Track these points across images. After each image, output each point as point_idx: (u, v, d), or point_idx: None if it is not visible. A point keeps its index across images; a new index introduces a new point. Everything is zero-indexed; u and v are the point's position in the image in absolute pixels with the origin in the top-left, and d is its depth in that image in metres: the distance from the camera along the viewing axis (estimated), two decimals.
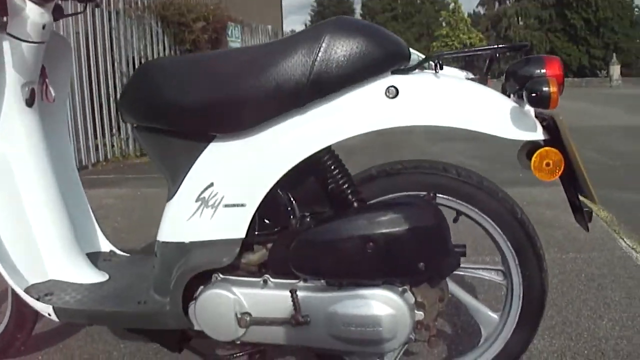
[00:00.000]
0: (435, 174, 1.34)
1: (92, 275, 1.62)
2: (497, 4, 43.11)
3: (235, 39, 8.54)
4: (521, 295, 1.36)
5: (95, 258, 1.76)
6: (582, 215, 1.32)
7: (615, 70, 23.90)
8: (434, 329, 1.34)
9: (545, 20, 38.30)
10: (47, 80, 1.63)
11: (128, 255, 1.85)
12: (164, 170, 1.39)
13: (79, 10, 1.74)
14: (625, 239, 2.84)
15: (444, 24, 37.33)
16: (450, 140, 6.47)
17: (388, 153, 5.53)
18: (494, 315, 1.44)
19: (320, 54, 1.18)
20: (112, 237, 1.91)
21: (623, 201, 3.64)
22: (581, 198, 1.29)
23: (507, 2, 41.99)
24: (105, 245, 1.86)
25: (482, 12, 45.33)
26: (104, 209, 3.74)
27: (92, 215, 1.86)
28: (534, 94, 1.11)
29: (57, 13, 1.58)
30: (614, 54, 25.79)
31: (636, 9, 38.38)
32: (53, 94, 1.64)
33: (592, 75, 30.58)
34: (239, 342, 1.35)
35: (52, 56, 1.64)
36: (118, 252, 1.85)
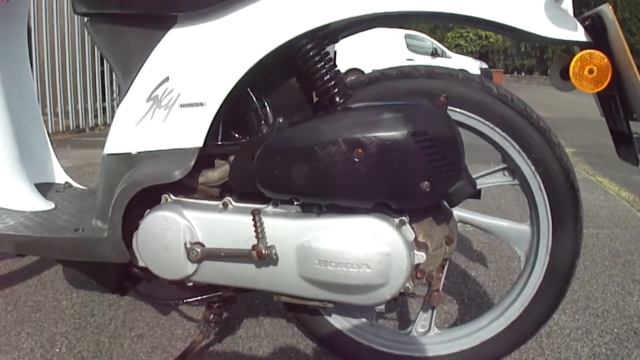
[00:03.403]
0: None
1: (34, 203, 1.40)
2: None
3: None
4: (541, 187, 1.07)
5: (45, 188, 1.58)
6: (629, 145, 1.04)
7: None
8: (438, 281, 1.07)
9: None
10: None
11: (84, 188, 1.60)
12: (119, 71, 1.14)
13: None
14: None
15: None
16: None
17: None
18: (524, 226, 1.16)
19: None
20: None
21: None
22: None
23: None
24: (60, 177, 1.66)
25: None
26: (92, 166, 3.59)
27: (50, 146, 1.68)
28: None
29: None
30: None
31: None
32: None
33: None
34: (190, 284, 1.08)
35: None
36: (74, 184, 1.63)
